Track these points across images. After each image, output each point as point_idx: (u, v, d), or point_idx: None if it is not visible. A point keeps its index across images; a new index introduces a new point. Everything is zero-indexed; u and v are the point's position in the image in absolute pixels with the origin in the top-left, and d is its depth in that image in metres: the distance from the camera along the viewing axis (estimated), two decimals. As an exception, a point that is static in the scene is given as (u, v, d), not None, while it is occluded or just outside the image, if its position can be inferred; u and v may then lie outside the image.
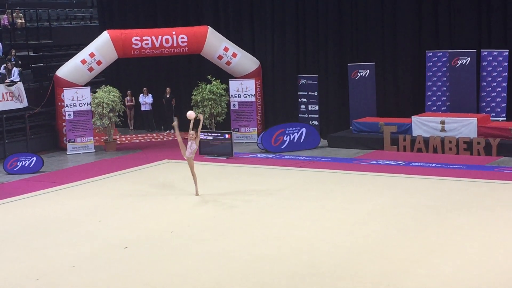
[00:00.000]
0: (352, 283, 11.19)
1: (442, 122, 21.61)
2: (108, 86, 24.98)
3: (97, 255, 13.14)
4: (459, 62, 22.39)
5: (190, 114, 16.96)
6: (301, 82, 25.13)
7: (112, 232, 14.55)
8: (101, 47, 24.37)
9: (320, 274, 11.57)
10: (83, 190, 18.55)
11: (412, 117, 22.16)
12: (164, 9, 27.63)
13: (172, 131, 17.34)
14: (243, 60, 25.15)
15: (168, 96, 26.64)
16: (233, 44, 25.16)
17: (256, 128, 24.95)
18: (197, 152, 22.17)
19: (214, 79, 24.63)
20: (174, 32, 24.54)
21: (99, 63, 24.36)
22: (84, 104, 24.09)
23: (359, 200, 16.26)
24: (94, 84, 25.77)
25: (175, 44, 24.47)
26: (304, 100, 25.11)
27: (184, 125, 26.54)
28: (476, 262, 11.87)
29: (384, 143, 22.10)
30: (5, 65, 24.06)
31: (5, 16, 27.40)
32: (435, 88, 23.05)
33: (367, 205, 15.80)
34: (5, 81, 23.51)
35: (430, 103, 23.11)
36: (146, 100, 27.19)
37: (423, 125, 21.83)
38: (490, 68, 22.21)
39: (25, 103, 23.78)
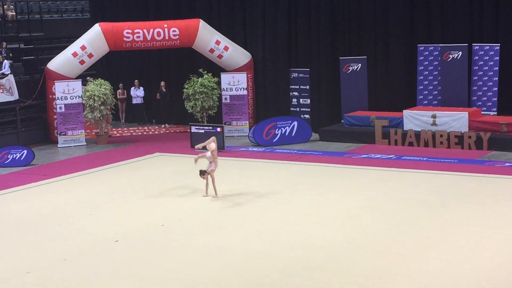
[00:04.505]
0: (344, 277, 11.21)
1: (434, 116, 21.64)
2: (99, 79, 24.93)
3: (88, 248, 13.13)
4: (451, 56, 22.41)
5: (211, 146, 16.59)
6: (292, 75, 25.12)
7: (103, 226, 14.54)
8: (93, 40, 24.29)
9: (312, 269, 11.59)
10: (74, 183, 18.52)
11: (404, 111, 22.19)
12: (156, 2, 27.54)
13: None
14: (235, 54, 25.11)
15: (164, 90, 26.51)
16: (225, 38, 25.12)
17: (247, 122, 24.94)
18: (189, 145, 22.31)
19: (205, 72, 24.58)
20: (165, 25, 24.48)
21: (90, 56, 24.28)
22: (75, 97, 24.02)
23: (350, 194, 16.28)
24: (85, 77, 25.68)
25: (166, 37, 24.42)
26: (296, 93, 25.10)
27: (181, 120, 26.65)
28: (467, 256, 11.91)
29: (375, 137, 22.13)
30: (-5, 57, 24.03)
31: (-4, 8, 27.32)
32: (427, 82, 23.08)
33: (358, 199, 15.83)
34: (-4, 74, 23.46)
35: (421, 97, 23.15)
36: (137, 93, 27.11)
37: (415, 119, 21.86)
38: (482, 63, 22.24)
39: (16, 96, 23.67)
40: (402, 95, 23.64)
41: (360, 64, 23.73)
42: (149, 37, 24.31)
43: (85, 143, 24.07)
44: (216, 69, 25.19)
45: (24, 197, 17.34)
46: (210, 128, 22.22)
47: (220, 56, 24.91)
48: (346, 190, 16.74)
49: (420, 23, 23.34)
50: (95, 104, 23.73)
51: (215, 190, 16.41)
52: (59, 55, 24.76)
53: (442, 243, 12.66)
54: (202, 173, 16.36)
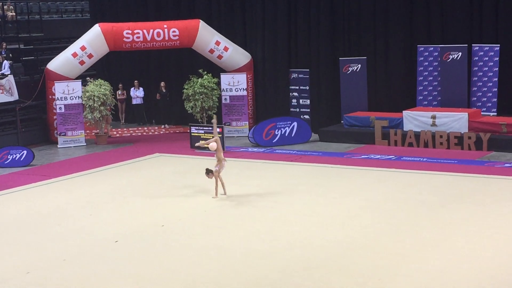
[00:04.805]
0: (344, 277, 11.21)
1: (433, 117, 21.65)
2: (99, 79, 24.93)
3: (88, 249, 13.12)
4: (451, 57, 22.42)
5: (212, 146, 16.57)
6: (292, 76, 25.11)
7: (103, 226, 14.53)
8: (92, 40, 24.29)
9: (312, 268, 11.59)
10: (74, 184, 18.51)
11: (403, 111, 22.20)
12: (155, 2, 27.55)
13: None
14: (235, 54, 25.12)
15: (164, 90, 26.50)
16: (225, 38, 25.13)
17: (247, 122, 24.94)
18: (189, 145, 22.33)
19: (205, 73, 24.59)
20: (165, 26, 24.49)
21: (90, 56, 24.29)
22: (75, 98, 24.02)
23: (350, 195, 16.27)
24: (85, 78, 25.70)
25: (166, 38, 24.42)
26: (296, 94, 25.09)
27: (181, 120, 26.64)
28: (467, 256, 11.91)
29: (375, 138, 22.13)
30: (-5, 58, 24.03)
31: (-5, 9, 27.33)
32: (426, 82, 23.09)
33: (358, 199, 15.83)
34: (-4, 74, 23.47)
35: (421, 97, 23.15)
36: (137, 94, 27.12)
37: (414, 119, 21.87)
38: (481, 63, 22.25)
39: (15, 96, 23.69)
40: (402, 96, 23.65)
41: (360, 65, 23.73)
42: (149, 38, 24.32)
43: (85, 144, 24.07)
44: (216, 70, 25.20)
45: (24, 197, 17.34)
46: (210, 128, 22.19)
47: (220, 57, 24.92)
48: (346, 190, 16.74)
49: (420, 23, 23.35)
50: (95, 105, 23.74)
51: (216, 190, 16.40)
52: (59, 55, 24.77)
53: (442, 243, 12.66)
54: (207, 172, 16.36)
